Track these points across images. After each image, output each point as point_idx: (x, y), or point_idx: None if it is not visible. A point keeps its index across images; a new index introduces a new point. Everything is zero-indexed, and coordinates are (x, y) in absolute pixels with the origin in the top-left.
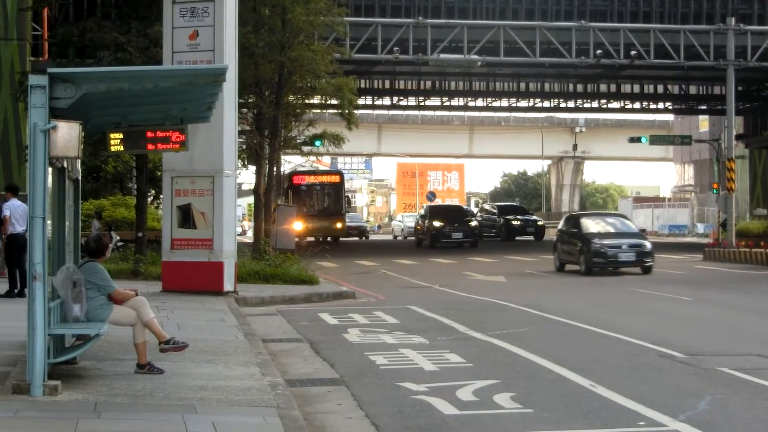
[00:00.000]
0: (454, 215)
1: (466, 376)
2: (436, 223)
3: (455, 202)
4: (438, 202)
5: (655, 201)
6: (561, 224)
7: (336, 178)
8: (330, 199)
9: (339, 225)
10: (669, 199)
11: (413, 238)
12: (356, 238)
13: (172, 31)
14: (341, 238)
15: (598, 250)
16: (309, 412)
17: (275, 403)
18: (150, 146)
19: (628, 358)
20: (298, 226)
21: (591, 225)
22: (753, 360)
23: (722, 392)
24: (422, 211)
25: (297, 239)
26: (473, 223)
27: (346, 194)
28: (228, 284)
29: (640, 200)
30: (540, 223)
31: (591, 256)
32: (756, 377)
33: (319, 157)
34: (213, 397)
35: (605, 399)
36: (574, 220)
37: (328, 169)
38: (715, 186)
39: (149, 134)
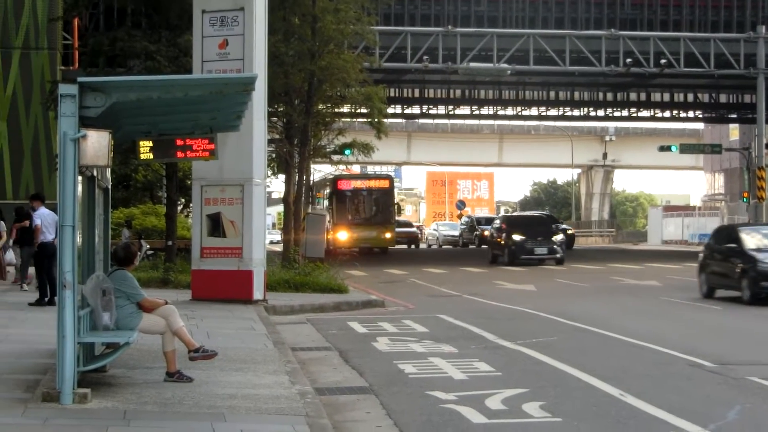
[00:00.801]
0: (538, 226)
1: (495, 385)
2: (516, 237)
3: (485, 211)
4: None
5: (685, 210)
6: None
7: (385, 183)
8: (378, 206)
9: (388, 235)
10: (699, 208)
11: (449, 246)
12: (404, 246)
13: (202, 40)
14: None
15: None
16: (338, 421)
17: (304, 412)
18: (180, 154)
19: (657, 367)
20: (342, 235)
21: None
22: None
23: (752, 401)
24: (497, 222)
25: (340, 248)
26: (559, 237)
27: (396, 201)
28: (257, 293)
29: (670, 209)
30: (570, 231)
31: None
32: None
33: (349, 166)
34: (242, 405)
35: (634, 408)
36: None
37: (376, 173)
38: (745, 195)
39: (179, 143)
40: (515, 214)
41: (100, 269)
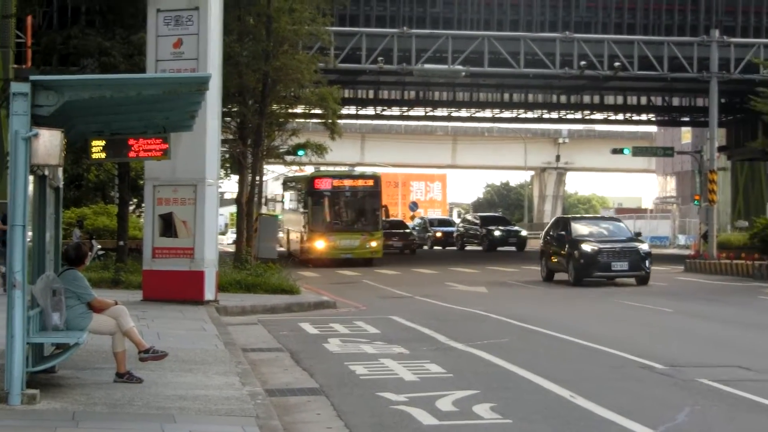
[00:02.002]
0: (613, 233)
1: (446, 387)
2: (587, 247)
3: (438, 213)
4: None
5: (637, 212)
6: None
7: (371, 183)
8: (363, 209)
9: (374, 244)
10: (651, 211)
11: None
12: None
13: (156, 39)
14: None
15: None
16: (288, 422)
17: (255, 413)
18: (132, 154)
19: (608, 370)
20: (319, 244)
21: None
22: (733, 371)
23: (701, 404)
24: (556, 228)
25: (316, 260)
26: (644, 247)
27: (384, 205)
28: (209, 293)
29: (622, 211)
30: (522, 233)
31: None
32: (735, 389)
33: (302, 167)
34: (192, 406)
35: (585, 410)
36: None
37: (360, 171)
38: (696, 198)
39: (132, 142)
40: (581, 216)
41: (50, 269)
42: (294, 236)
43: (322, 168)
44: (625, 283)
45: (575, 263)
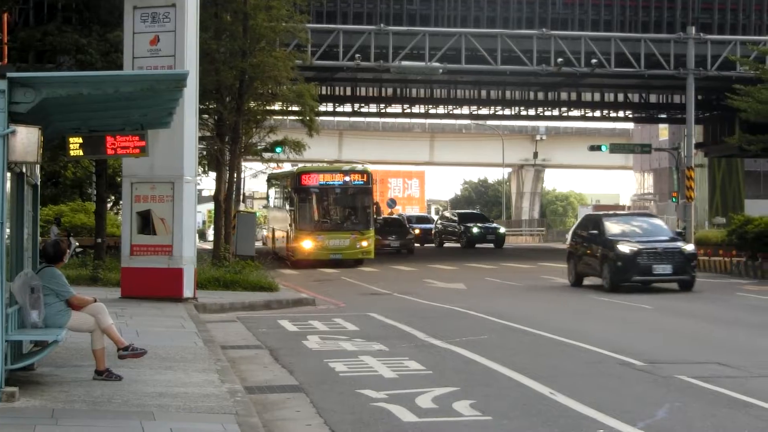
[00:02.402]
0: (653, 232)
1: (426, 384)
2: (625, 248)
3: (416, 209)
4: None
5: (615, 209)
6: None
7: (362, 178)
8: (353, 206)
9: (365, 243)
10: (628, 207)
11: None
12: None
13: (133, 36)
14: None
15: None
16: (268, 419)
17: (234, 410)
18: (110, 151)
19: (587, 366)
20: (306, 244)
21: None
22: (712, 368)
23: (681, 400)
24: (587, 227)
25: (302, 261)
26: (689, 247)
27: (375, 202)
28: (187, 291)
29: (600, 208)
30: (501, 230)
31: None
32: (714, 385)
33: (280, 164)
34: (172, 403)
35: (564, 407)
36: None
37: (351, 166)
38: (674, 194)
39: (109, 139)
40: (613, 212)
41: (28, 267)
42: (279, 236)
43: (300, 165)
44: (667, 288)
45: (611, 266)
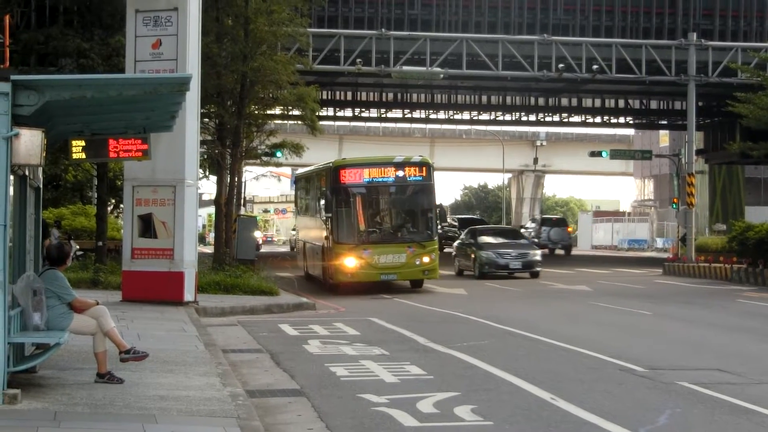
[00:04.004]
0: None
1: (427, 388)
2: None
3: None
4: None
5: (615, 215)
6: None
7: (420, 172)
8: (410, 210)
9: (427, 258)
10: (629, 214)
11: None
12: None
13: (135, 39)
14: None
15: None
16: (269, 423)
17: (236, 414)
18: (112, 155)
19: (588, 372)
20: (349, 262)
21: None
22: (712, 374)
23: (682, 406)
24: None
25: (344, 283)
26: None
27: (439, 204)
28: (188, 294)
29: (600, 214)
30: None
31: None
32: (715, 391)
33: (279, 167)
34: (173, 407)
35: (566, 412)
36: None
37: (405, 156)
38: (674, 201)
39: (112, 143)
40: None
41: (30, 269)
42: (313, 251)
43: (300, 170)
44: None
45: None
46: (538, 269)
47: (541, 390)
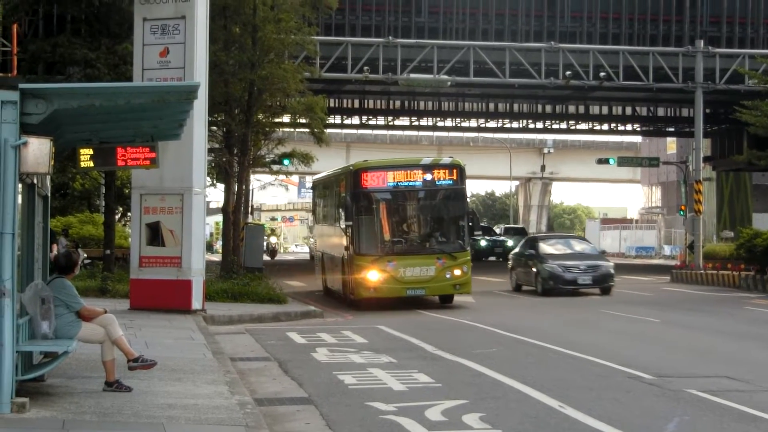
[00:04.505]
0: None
1: (435, 396)
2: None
3: None
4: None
5: (623, 222)
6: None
7: (451, 175)
8: (440, 217)
9: (458, 272)
10: (636, 221)
11: None
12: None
13: (143, 48)
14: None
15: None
16: (278, 431)
17: (244, 422)
18: (120, 163)
19: (596, 379)
20: (373, 276)
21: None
22: (720, 382)
23: (690, 414)
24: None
25: (367, 297)
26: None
27: (471, 210)
28: (196, 302)
29: (608, 222)
30: (508, 243)
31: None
32: (723, 399)
33: (288, 176)
34: (182, 415)
35: (574, 420)
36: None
37: (433, 158)
38: (682, 208)
39: (120, 151)
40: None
41: (39, 277)
42: (332, 263)
43: (307, 178)
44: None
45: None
46: (612, 284)
47: (549, 398)
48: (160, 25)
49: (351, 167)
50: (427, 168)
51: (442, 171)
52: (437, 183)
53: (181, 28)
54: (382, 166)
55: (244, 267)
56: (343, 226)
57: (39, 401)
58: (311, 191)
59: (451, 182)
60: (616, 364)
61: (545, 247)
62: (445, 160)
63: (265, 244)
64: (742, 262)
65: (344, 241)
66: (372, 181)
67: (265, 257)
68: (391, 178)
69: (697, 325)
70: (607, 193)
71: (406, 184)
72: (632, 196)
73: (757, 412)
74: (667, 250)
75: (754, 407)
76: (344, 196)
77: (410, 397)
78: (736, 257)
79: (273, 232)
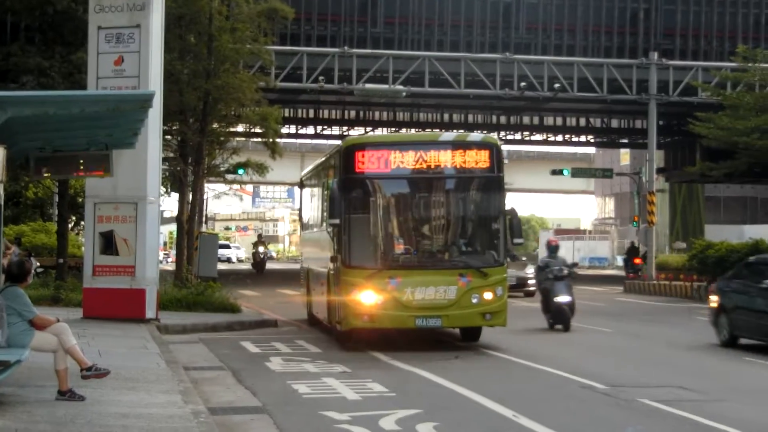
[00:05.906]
0: None
1: (389, 406)
2: None
3: None
4: None
5: (576, 233)
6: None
7: (481, 159)
8: (465, 217)
9: (490, 295)
10: (590, 232)
11: None
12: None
13: (97, 56)
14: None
15: None
16: None
17: (198, 431)
18: (75, 171)
19: (550, 389)
20: (368, 298)
21: None
22: (673, 391)
23: (643, 423)
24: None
25: (359, 330)
26: None
27: (511, 208)
28: (150, 312)
29: (561, 232)
30: None
31: None
32: (676, 408)
33: (242, 186)
34: (135, 424)
35: (528, 429)
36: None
37: (457, 136)
38: (635, 219)
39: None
40: None
41: None
42: (317, 281)
43: (261, 188)
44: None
45: None
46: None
47: (503, 407)
48: (114, 34)
49: (342, 145)
50: (449, 146)
51: (469, 152)
52: (463, 169)
53: (136, 37)
54: (383, 143)
55: (198, 276)
56: (329, 229)
57: None
58: (298, 189)
59: (483, 168)
60: (570, 373)
61: None
62: (474, 136)
63: (251, 254)
64: (694, 273)
65: (330, 250)
66: (369, 163)
67: (253, 270)
68: (395, 161)
69: (649, 335)
70: (561, 204)
71: (416, 169)
72: (586, 207)
73: (709, 422)
74: (620, 260)
75: (707, 417)
76: (331, 186)
77: (364, 407)
78: (689, 268)
79: (261, 241)
